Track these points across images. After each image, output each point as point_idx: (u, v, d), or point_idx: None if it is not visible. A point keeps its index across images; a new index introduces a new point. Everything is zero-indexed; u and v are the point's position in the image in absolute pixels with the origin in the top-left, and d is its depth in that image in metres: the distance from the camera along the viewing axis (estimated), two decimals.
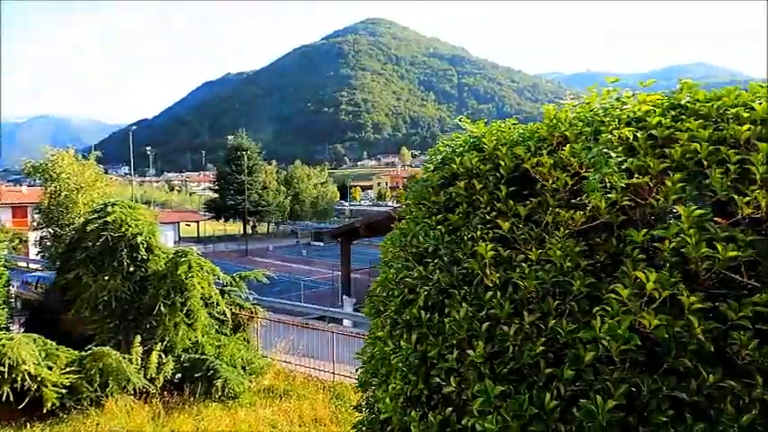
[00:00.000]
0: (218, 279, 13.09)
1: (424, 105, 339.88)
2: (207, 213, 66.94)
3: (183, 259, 11.66)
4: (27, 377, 9.37)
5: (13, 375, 9.28)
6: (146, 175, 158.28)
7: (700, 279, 2.24)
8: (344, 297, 23.90)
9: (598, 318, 2.26)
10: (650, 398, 2.14)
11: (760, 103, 2.54)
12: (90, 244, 12.01)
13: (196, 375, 11.14)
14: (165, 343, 11.36)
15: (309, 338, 14.03)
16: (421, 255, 3.23)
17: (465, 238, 2.99)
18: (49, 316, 12.38)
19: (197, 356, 11.52)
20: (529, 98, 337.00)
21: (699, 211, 2.23)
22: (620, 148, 2.58)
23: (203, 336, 11.96)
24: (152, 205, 66.74)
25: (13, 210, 44.09)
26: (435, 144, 3.94)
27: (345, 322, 19.94)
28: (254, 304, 14.18)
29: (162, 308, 11.26)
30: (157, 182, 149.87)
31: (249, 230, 63.76)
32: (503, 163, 3.05)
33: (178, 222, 60.26)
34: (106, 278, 11.61)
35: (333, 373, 12.80)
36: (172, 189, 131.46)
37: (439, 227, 3.20)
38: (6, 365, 9.20)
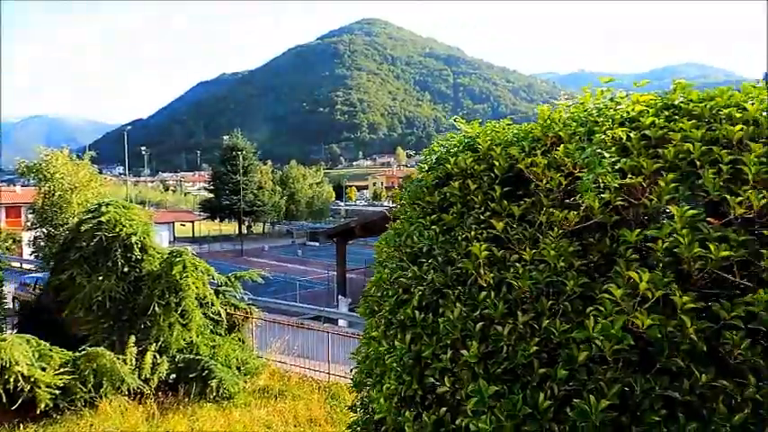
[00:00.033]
0: (213, 279, 13.05)
1: (419, 105, 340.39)
2: (202, 213, 66.81)
3: (177, 259, 11.62)
4: (20, 378, 9.31)
5: (6, 376, 9.22)
6: (140, 175, 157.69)
7: (692, 279, 2.24)
8: (340, 297, 23.89)
9: (591, 318, 2.27)
10: (643, 397, 2.15)
11: (752, 104, 2.56)
12: (84, 244, 11.95)
13: (191, 376, 11.10)
14: (159, 343, 11.32)
15: (305, 339, 14.00)
16: (415, 255, 3.23)
17: (459, 238, 2.99)
18: (44, 316, 12.32)
19: (192, 357, 11.48)
20: (524, 98, 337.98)
21: (691, 212, 2.24)
22: (613, 149, 2.59)
23: (198, 336, 11.92)
24: (147, 205, 66.60)
25: (7, 210, 43.87)
26: (431, 144, 3.95)
27: (341, 322, 19.93)
28: (249, 304, 14.14)
29: (156, 308, 11.21)
30: (152, 182, 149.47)
31: (244, 230, 63.67)
32: (497, 163, 3.05)
33: (173, 222, 60.08)
34: (100, 278, 11.55)
35: (328, 373, 12.78)
36: (167, 189, 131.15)
37: (433, 227, 3.20)
38: None
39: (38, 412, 9.56)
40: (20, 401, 9.33)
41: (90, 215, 12.26)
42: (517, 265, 2.63)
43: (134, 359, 10.83)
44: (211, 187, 66.45)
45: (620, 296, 2.23)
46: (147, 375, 10.85)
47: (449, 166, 3.34)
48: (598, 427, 2.13)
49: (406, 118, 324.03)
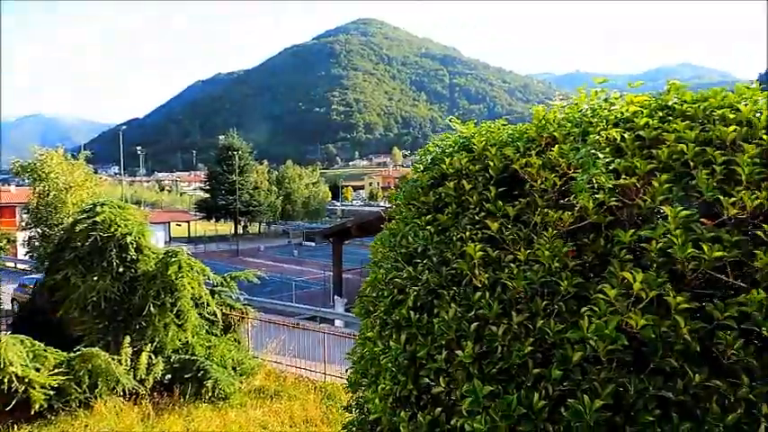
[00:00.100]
0: (209, 279, 13.03)
1: (415, 105, 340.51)
2: (198, 213, 66.67)
3: (173, 259, 11.60)
4: (14, 379, 9.28)
5: (0, 377, 9.19)
6: (136, 175, 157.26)
7: (686, 279, 2.25)
8: (336, 297, 23.88)
9: (586, 318, 2.27)
10: (637, 397, 2.15)
11: (746, 105, 2.57)
12: (79, 244, 11.92)
13: (186, 376, 11.08)
14: (154, 344, 11.29)
15: (301, 339, 13.99)
16: (410, 255, 3.23)
17: (454, 238, 2.99)
18: (39, 317, 12.28)
19: (187, 357, 11.46)
20: (520, 98, 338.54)
21: (685, 212, 2.24)
22: (607, 149, 2.59)
23: (193, 336, 11.90)
24: (142, 205, 66.36)
25: (1, 210, 43.63)
26: (427, 144, 3.95)
27: (337, 322, 19.92)
28: (244, 305, 14.13)
29: (152, 308, 11.19)
30: (148, 182, 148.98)
31: (240, 230, 63.57)
32: (492, 163, 3.05)
33: (169, 222, 59.90)
34: (95, 278, 11.52)
35: (324, 373, 12.78)
36: (162, 189, 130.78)
37: (428, 227, 3.20)
38: None
39: (32, 413, 9.53)
40: (14, 402, 9.29)
41: (85, 215, 12.23)
42: (512, 265, 2.63)
43: (129, 360, 10.80)
44: (207, 187, 66.34)
45: (615, 296, 2.23)
46: (143, 376, 10.82)
47: (444, 166, 3.34)
48: (592, 427, 2.13)
49: (403, 118, 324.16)
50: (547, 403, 2.27)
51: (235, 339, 13.16)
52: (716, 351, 2.14)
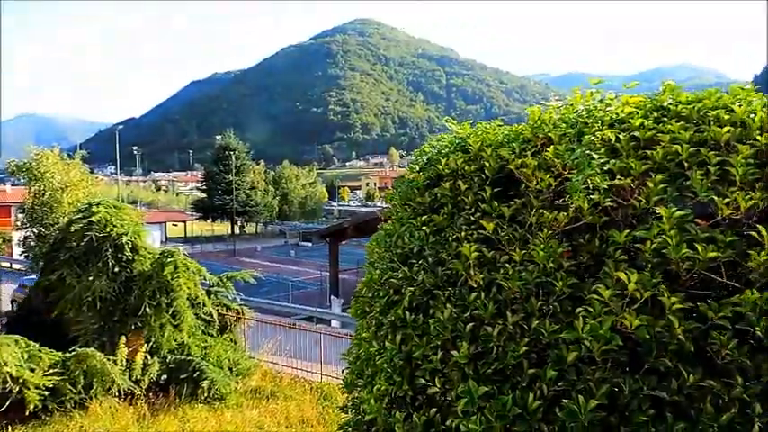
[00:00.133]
0: (205, 279, 13.00)
1: (412, 106, 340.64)
2: (194, 213, 66.48)
3: (169, 259, 11.56)
4: (8, 379, 9.24)
5: None
6: (132, 175, 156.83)
7: (680, 280, 2.26)
8: (332, 297, 23.86)
9: (580, 318, 2.28)
10: (631, 397, 2.16)
11: (740, 106, 2.58)
12: (74, 244, 11.87)
13: (182, 377, 11.05)
14: (150, 344, 11.27)
15: (297, 339, 13.98)
16: (406, 255, 3.23)
17: (450, 238, 2.99)
18: (34, 317, 12.23)
19: (183, 357, 11.44)
20: (517, 99, 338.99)
21: (680, 213, 2.25)
22: (602, 150, 2.60)
23: (189, 337, 11.87)
24: (138, 205, 66.17)
25: None
26: (423, 145, 3.95)
27: (333, 323, 19.91)
28: (241, 305, 14.10)
29: (147, 308, 11.15)
30: (144, 181, 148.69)
31: (237, 231, 63.43)
32: (488, 164, 3.05)
33: (165, 222, 59.72)
34: (90, 279, 11.48)
35: (320, 373, 12.77)
36: (159, 189, 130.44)
37: (424, 228, 3.20)
38: None
39: (27, 414, 9.49)
40: (8, 403, 9.25)
41: (80, 215, 12.19)
42: (507, 265, 2.63)
43: (125, 360, 10.77)
44: (204, 187, 66.14)
45: (609, 297, 2.23)
46: (138, 376, 10.79)
47: (440, 166, 3.34)
48: (587, 427, 2.13)
49: (400, 118, 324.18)
50: (542, 403, 2.28)
51: (231, 340, 13.14)
52: (710, 351, 2.15)
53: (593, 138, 2.68)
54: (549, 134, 2.93)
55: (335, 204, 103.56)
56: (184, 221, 64.62)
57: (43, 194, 19.68)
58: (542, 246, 2.53)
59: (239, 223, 65.83)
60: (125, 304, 11.51)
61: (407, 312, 2.98)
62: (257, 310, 15.93)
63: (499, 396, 2.37)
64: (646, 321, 2.16)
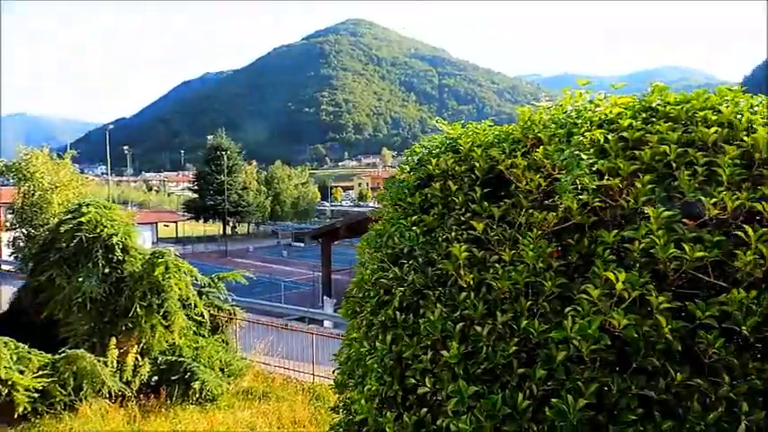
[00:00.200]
0: (197, 280, 12.93)
1: (405, 106, 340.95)
2: (186, 214, 66.17)
3: (159, 260, 11.49)
4: None
5: None
6: (123, 175, 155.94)
7: (668, 279, 2.27)
8: (325, 298, 23.84)
9: (569, 318, 2.29)
10: (620, 396, 2.17)
11: (727, 107, 2.60)
12: (64, 245, 11.77)
13: (173, 378, 10.99)
14: (141, 345, 11.19)
15: (289, 340, 13.95)
16: (396, 256, 3.23)
17: (440, 239, 3.00)
18: (23, 318, 12.12)
19: (174, 359, 11.37)
20: (509, 99, 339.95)
21: (667, 213, 2.27)
22: (591, 150, 2.61)
23: (181, 338, 11.80)
24: (129, 205, 65.88)
25: None
26: (414, 145, 3.95)
27: (326, 323, 19.88)
28: (232, 305, 14.04)
29: (138, 309, 11.07)
30: (135, 182, 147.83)
31: (229, 231, 63.22)
32: (478, 164, 3.06)
33: (156, 223, 59.34)
34: (80, 280, 11.38)
35: (312, 374, 12.74)
36: (150, 189, 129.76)
37: (414, 228, 3.20)
38: None
39: (15, 416, 9.40)
40: None
41: (70, 215, 12.09)
42: (497, 265, 2.64)
43: (115, 361, 10.70)
44: (195, 187, 65.88)
45: (598, 296, 2.25)
46: (129, 378, 10.72)
47: (430, 167, 3.35)
48: (576, 426, 2.14)
49: (392, 118, 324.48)
50: (531, 403, 2.29)
51: (223, 340, 13.08)
52: (697, 350, 2.17)
53: (582, 138, 2.70)
54: (539, 134, 2.94)
55: (328, 204, 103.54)
56: (176, 222, 64.24)
57: (33, 195, 19.52)
58: (532, 246, 2.54)
59: (231, 224, 65.59)
60: (115, 305, 11.42)
61: (398, 312, 2.99)
62: (249, 311, 15.86)
63: (489, 396, 2.38)
64: (634, 321, 2.17)
